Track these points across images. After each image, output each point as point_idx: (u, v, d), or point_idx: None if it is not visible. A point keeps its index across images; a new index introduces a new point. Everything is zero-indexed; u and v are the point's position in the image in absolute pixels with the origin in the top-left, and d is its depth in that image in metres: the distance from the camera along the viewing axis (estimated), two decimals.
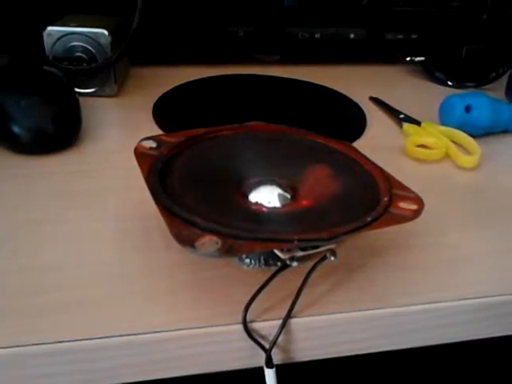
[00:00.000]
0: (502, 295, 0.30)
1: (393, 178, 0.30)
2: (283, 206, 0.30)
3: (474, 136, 0.47)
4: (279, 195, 0.30)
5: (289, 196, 0.30)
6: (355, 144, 0.47)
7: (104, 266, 0.30)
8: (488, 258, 0.33)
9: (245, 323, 0.26)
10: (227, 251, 0.22)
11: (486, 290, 0.30)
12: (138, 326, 0.26)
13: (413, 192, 0.29)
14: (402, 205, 0.27)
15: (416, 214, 0.27)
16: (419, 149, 0.45)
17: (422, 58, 0.64)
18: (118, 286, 0.29)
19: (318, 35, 0.64)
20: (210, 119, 0.49)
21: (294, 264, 0.26)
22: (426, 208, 0.27)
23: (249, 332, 0.27)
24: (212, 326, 0.27)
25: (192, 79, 0.58)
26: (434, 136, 0.47)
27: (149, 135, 0.33)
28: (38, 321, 0.26)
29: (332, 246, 0.27)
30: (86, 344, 0.25)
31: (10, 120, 0.39)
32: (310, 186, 0.31)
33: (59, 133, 0.41)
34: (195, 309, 0.27)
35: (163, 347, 0.26)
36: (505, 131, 0.50)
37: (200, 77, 0.59)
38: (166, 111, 0.51)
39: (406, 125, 0.50)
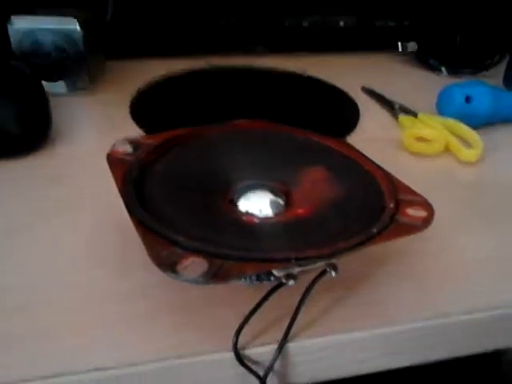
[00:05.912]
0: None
1: (397, 180, 0.27)
2: (276, 214, 0.26)
3: (473, 127, 0.44)
4: (271, 202, 0.27)
5: (282, 202, 0.27)
6: (349, 138, 0.44)
7: (73, 288, 0.27)
8: (495, 264, 0.31)
9: (236, 349, 0.23)
10: (215, 276, 0.19)
11: (496, 302, 0.28)
12: (110, 359, 0.23)
13: (420, 196, 0.26)
14: (410, 212, 0.24)
15: (426, 222, 0.24)
16: (418, 142, 0.43)
17: (415, 45, 0.61)
18: (88, 310, 0.25)
19: (305, 23, 0.61)
20: (193, 116, 0.46)
21: (291, 283, 0.23)
22: None
23: (241, 359, 0.24)
24: (198, 354, 0.24)
25: (172, 73, 0.54)
26: (434, 128, 0.44)
27: (125, 136, 0.30)
28: None
29: (333, 261, 0.24)
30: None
31: None
32: (305, 190, 0.28)
33: (25, 134, 0.38)
34: (178, 335, 0.24)
35: (142, 382, 0.23)
36: (504, 120, 0.48)
37: (180, 70, 0.55)
38: (145, 108, 0.48)
39: (402, 116, 0.47)
